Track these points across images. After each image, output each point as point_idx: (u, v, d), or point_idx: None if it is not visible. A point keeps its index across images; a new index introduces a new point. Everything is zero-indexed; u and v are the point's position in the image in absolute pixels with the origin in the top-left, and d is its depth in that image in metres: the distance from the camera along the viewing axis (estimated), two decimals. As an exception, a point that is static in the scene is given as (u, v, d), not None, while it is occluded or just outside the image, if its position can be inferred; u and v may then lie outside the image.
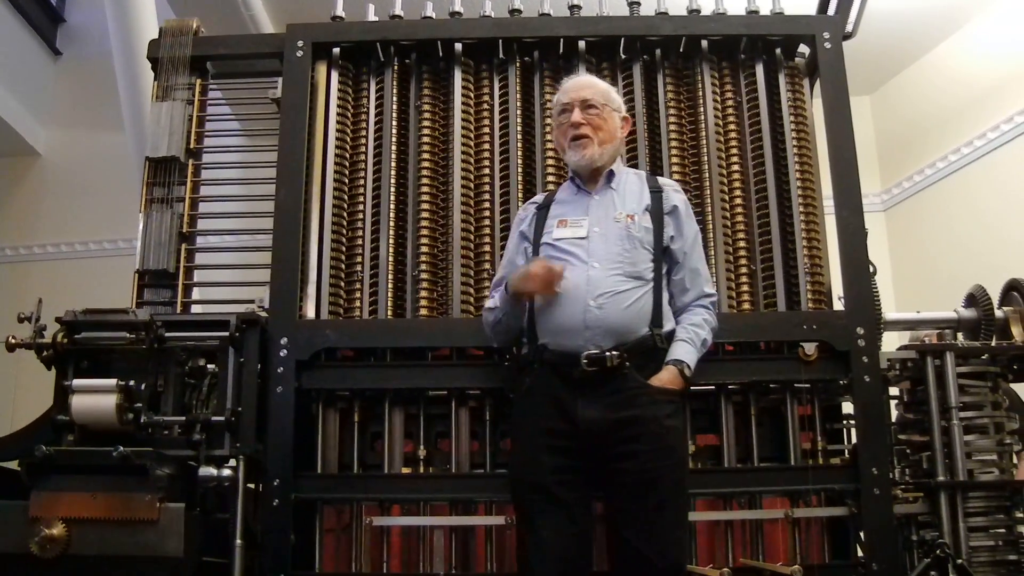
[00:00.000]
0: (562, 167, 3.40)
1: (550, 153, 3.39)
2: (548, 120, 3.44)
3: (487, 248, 3.33)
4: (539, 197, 2.98)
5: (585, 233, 2.69)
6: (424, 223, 3.36)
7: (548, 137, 3.41)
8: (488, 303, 2.85)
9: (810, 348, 3.10)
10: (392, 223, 3.37)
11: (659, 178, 2.91)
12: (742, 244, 3.34)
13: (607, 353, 2.53)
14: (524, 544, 2.59)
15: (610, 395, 2.54)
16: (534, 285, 2.60)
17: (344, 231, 3.38)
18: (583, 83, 2.85)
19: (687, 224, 2.78)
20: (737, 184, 3.41)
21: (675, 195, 2.81)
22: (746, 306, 3.29)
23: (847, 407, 3.27)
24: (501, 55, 3.53)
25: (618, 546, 2.56)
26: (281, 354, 3.10)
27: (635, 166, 3.36)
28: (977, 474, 3.10)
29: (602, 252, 2.64)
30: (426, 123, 3.47)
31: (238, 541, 2.81)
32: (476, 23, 3.54)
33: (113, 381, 2.87)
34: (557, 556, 2.48)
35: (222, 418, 2.92)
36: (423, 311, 3.26)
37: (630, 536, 2.49)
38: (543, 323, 2.64)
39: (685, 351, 2.63)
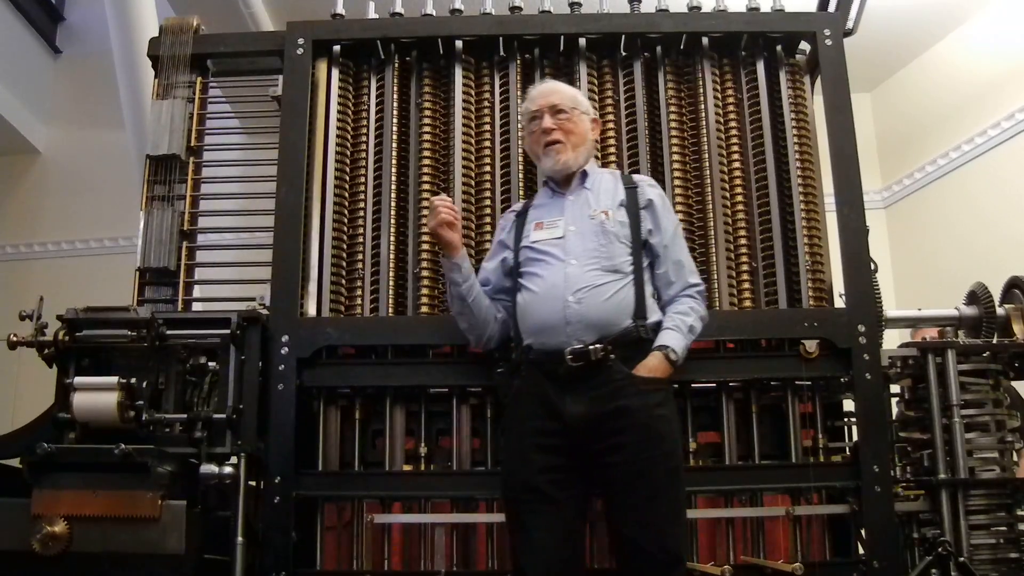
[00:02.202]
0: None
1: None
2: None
3: (488, 246, 3.32)
4: (518, 205, 3.03)
5: (561, 233, 2.72)
6: (425, 220, 3.35)
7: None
8: None
9: (811, 345, 3.10)
10: (393, 220, 3.37)
11: (634, 175, 2.95)
12: (743, 241, 3.34)
13: (591, 347, 2.54)
14: (515, 544, 2.59)
15: (596, 388, 2.55)
16: (434, 225, 2.73)
17: (345, 228, 3.38)
18: (550, 89, 2.89)
19: (664, 217, 2.80)
20: (738, 181, 3.41)
21: (650, 189, 2.84)
22: (747, 303, 3.28)
23: (848, 404, 3.27)
24: (502, 52, 3.53)
25: (618, 541, 2.56)
26: (282, 352, 3.10)
27: (636, 163, 3.37)
28: (978, 472, 3.10)
29: (578, 249, 2.67)
30: (427, 120, 3.47)
31: (239, 538, 2.81)
32: (477, 20, 3.54)
33: (114, 379, 2.87)
34: (548, 556, 2.49)
35: (223, 416, 2.92)
36: (424, 308, 3.26)
37: (626, 530, 2.50)
38: (525, 324, 2.67)
39: (670, 337, 2.64)
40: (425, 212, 3.35)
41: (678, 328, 2.66)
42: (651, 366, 2.58)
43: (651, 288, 2.74)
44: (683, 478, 2.65)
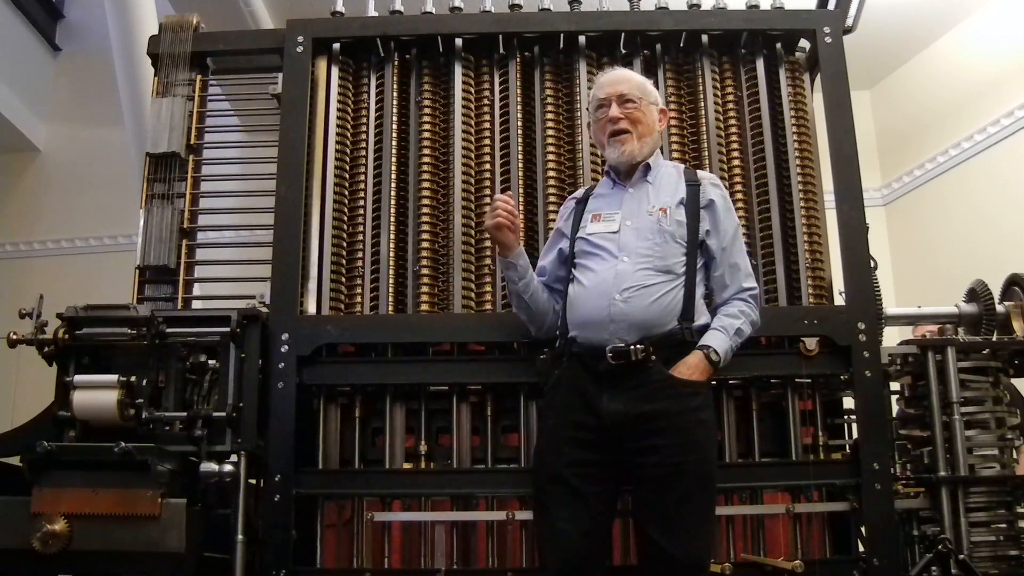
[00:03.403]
0: (563, 163, 3.41)
1: (551, 148, 3.39)
2: (548, 115, 3.44)
3: (488, 243, 3.33)
4: (579, 192, 2.98)
5: (617, 227, 2.68)
6: (425, 218, 3.36)
7: (549, 132, 3.41)
8: None
9: (811, 343, 3.10)
10: (393, 218, 3.37)
11: (699, 172, 2.88)
12: (743, 239, 3.34)
13: (632, 347, 2.52)
14: (539, 534, 2.60)
15: (635, 388, 2.53)
16: (490, 226, 2.73)
17: (345, 226, 3.38)
18: (619, 77, 2.83)
19: (725, 219, 2.75)
20: (738, 179, 3.41)
21: (713, 189, 2.78)
22: (747, 301, 3.28)
23: (848, 402, 3.27)
24: (501, 50, 3.53)
25: (643, 542, 2.55)
26: (282, 350, 3.10)
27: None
28: (978, 469, 3.10)
29: (632, 246, 2.63)
30: (426, 118, 3.47)
31: (239, 536, 2.82)
32: (476, 18, 3.54)
33: (114, 377, 2.88)
34: (570, 548, 2.48)
35: (223, 414, 2.92)
36: (424, 306, 3.26)
37: (652, 532, 2.48)
38: (572, 316, 2.66)
39: (714, 337, 2.61)
40: (425, 210, 3.36)
41: (724, 330, 2.63)
42: (691, 364, 2.56)
43: (702, 289, 2.70)
44: (715, 485, 2.62)
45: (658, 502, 2.49)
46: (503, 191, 3.37)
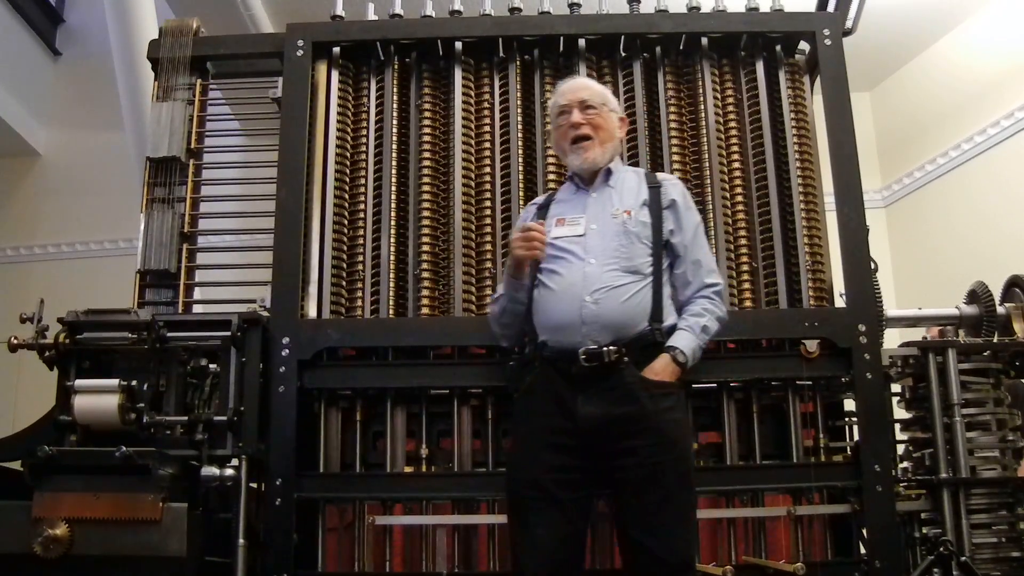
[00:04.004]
0: (563, 166, 3.40)
1: (551, 151, 3.39)
2: (549, 117, 3.44)
3: (488, 247, 3.33)
4: (540, 198, 2.99)
5: (582, 230, 2.69)
6: (425, 222, 3.36)
7: (549, 135, 3.40)
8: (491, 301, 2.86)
9: (812, 345, 3.10)
10: (393, 222, 3.37)
11: (658, 174, 2.91)
12: (743, 241, 3.34)
13: (604, 348, 2.52)
14: (516, 541, 2.58)
15: (609, 391, 2.53)
16: (521, 247, 2.64)
17: (345, 230, 3.38)
18: (580, 84, 2.87)
19: (686, 216, 2.77)
20: (738, 181, 3.41)
21: (673, 188, 2.80)
22: (747, 303, 3.28)
23: (849, 404, 3.27)
24: (501, 53, 3.53)
25: (626, 545, 2.55)
26: (283, 353, 3.10)
27: (636, 163, 3.36)
28: (979, 471, 3.10)
29: (599, 248, 2.64)
30: (427, 122, 3.47)
31: (241, 541, 2.81)
32: (476, 21, 3.54)
33: (115, 381, 2.88)
34: (549, 555, 2.48)
35: (224, 418, 2.92)
36: (425, 310, 3.26)
37: (636, 534, 2.48)
38: (541, 320, 2.65)
39: (681, 338, 2.61)
40: (426, 213, 3.36)
41: (690, 329, 2.64)
42: (658, 368, 2.56)
43: (670, 289, 2.71)
44: (694, 483, 2.63)
45: (639, 504, 2.49)
46: (503, 194, 3.37)
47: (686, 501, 2.56)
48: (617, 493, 2.56)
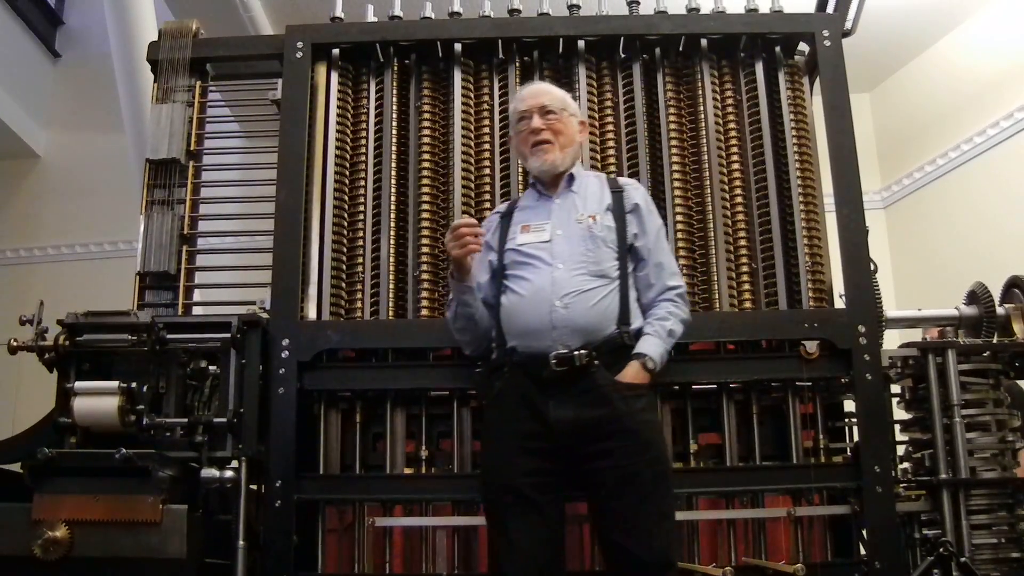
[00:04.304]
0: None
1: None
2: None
3: (488, 248, 3.33)
4: (502, 206, 3.00)
5: (548, 236, 2.71)
6: (425, 223, 3.36)
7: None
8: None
9: (811, 346, 3.10)
10: (393, 223, 3.37)
11: (619, 178, 2.95)
12: (743, 243, 3.35)
13: (575, 352, 2.54)
14: (496, 547, 2.58)
15: (581, 394, 2.54)
16: (453, 247, 2.61)
17: (345, 232, 3.38)
18: (539, 90, 2.88)
19: (649, 220, 2.80)
20: (737, 183, 3.41)
21: (635, 193, 2.84)
22: (747, 304, 3.29)
23: (849, 405, 3.27)
24: (500, 55, 3.53)
25: (607, 547, 2.56)
26: (283, 355, 3.10)
27: (635, 165, 3.37)
28: (979, 471, 3.10)
29: (566, 253, 2.66)
30: (426, 123, 3.47)
31: (241, 542, 2.81)
32: (475, 23, 3.54)
33: (115, 383, 2.88)
34: (530, 559, 2.48)
35: (224, 420, 2.92)
36: (424, 311, 3.26)
37: (616, 536, 2.49)
38: (510, 326, 2.65)
39: (648, 344, 2.63)
40: (425, 215, 3.36)
41: (657, 334, 2.66)
42: (629, 375, 2.58)
43: (635, 293, 2.74)
44: (671, 482, 2.63)
45: (617, 506, 2.50)
46: (503, 195, 3.37)
47: (663, 501, 2.56)
48: (593, 496, 2.57)
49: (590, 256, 2.66)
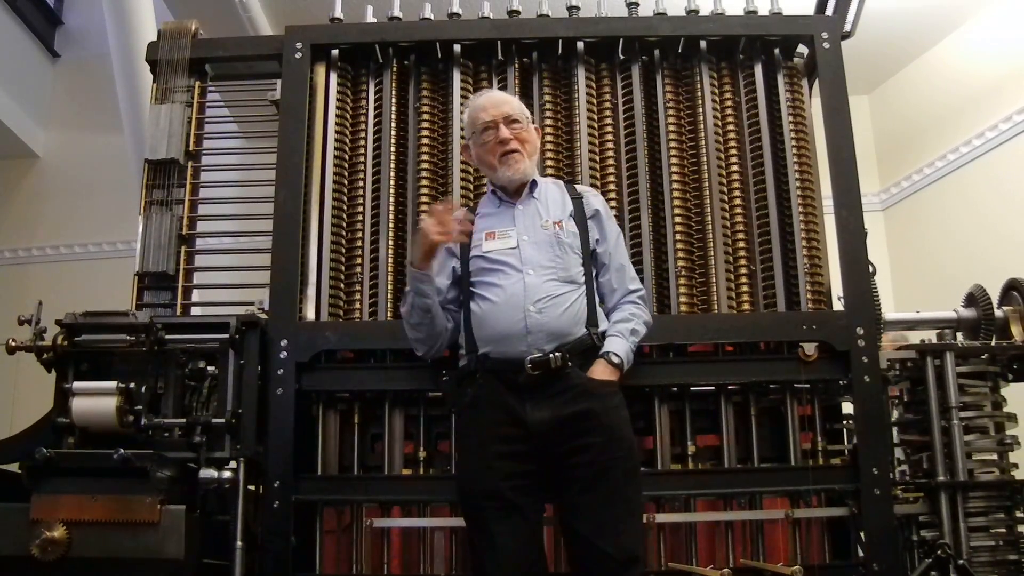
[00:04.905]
0: (561, 167, 3.41)
1: (549, 152, 3.40)
2: (547, 121, 3.44)
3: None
4: (459, 213, 2.98)
5: (515, 243, 2.73)
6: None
7: (547, 138, 3.40)
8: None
9: (810, 348, 3.10)
10: (392, 224, 3.37)
11: (576, 185, 3.01)
12: (741, 244, 3.35)
13: (551, 355, 2.58)
14: (479, 552, 2.58)
15: (558, 394, 2.58)
16: (436, 231, 2.59)
17: (344, 232, 3.38)
18: (501, 99, 2.89)
19: (608, 226, 2.86)
20: (736, 184, 3.41)
21: (594, 199, 2.90)
22: (746, 306, 3.29)
23: (847, 407, 3.27)
24: (500, 56, 3.53)
25: (573, 542, 2.57)
26: (281, 356, 3.10)
27: (634, 167, 3.37)
28: (977, 474, 3.10)
29: (535, 259, 2.69)
30: (425, 124, 3.47)
31: (239, 543, 2.81)
32: (474, 24, 3.54)
33: (113, 383, 2.87)
34: (515, 561, 2.50)
35: (222, 420, 2.92)
36: (423, 312, 3.26)
37: (583, 530, 2.51)
38: (482, 332, 2.67)
39: (613, 343, 2.68)
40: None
41: (621, 334, 2.70)
42: (597, 372, 2.62)
43: (598, 296, 2.78)
44: (640, 479, 2.69)
45: (587, 500, 2.52)
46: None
47: (632, 496, 2.60)
48: (564, 492, 2.58)
49: (558, 262, 2.70)
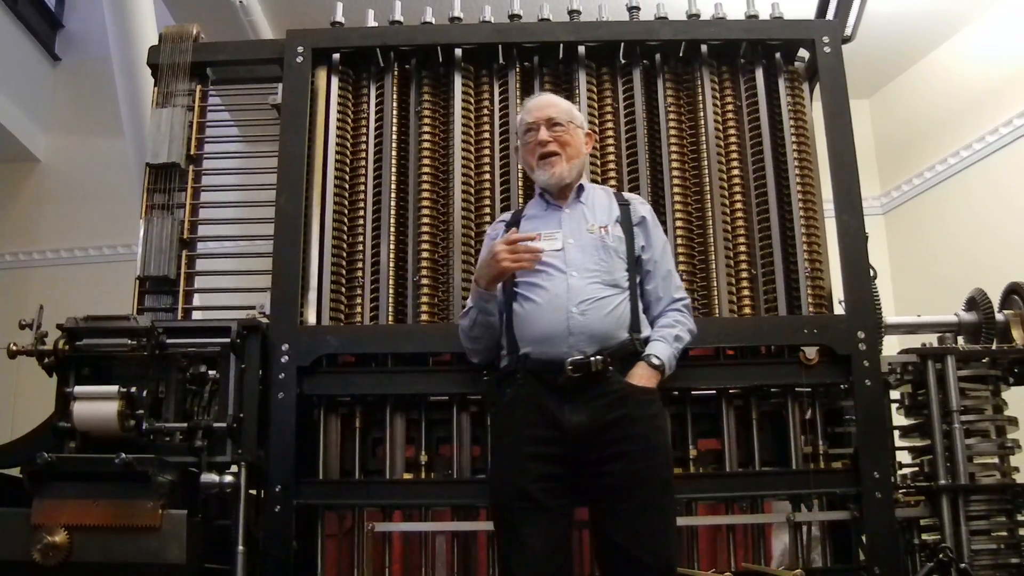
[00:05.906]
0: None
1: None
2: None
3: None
4: (506, 215, 3.04)
5: (560, 245, 2.73)
6: (425, 228, 3.36)
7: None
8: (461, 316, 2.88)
9: (811, 352, 3.10)
10: (393, 228, 3.37)
11: (624, 193, 3.00)
12: (743, 248, 3.35)
13: (592, 358, 2.57)
14: (506, 553, 2.58)
15: (596, 399, 2.57)
16: (506, 259, 2.61)
17: (345, 237, 3.38)
18: (546, 102, 2.91)
19: (655, 234, 2.86)
20: (737, 188, 3.41)
21: (641, 207, 2.90)
22: (747, 310, 3.29)
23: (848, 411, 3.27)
24: (501, 60, 3.53)
25: (607, 550, 2.56)
26: (282, 360, 3.10)
27: (635, 170, 3.38)
28: (979, 477, 3.10)
29: (579, 262, 2.69)
30: (426, 128, 3.48)
31: (240, 547, 2.81)
32: (476, 28, 3.55)
33: (114, 388, 2.88)
34: (542, 564, 2.49)
35: (224, 424, 2.92)
36: (424, 316, 3.26)
37: (619, 539, 2.50)
38: (524, 332, 2.67)
39: (656, 347, 2.68)
40: (425, 220, 3.36)
41: (664, 339, 2.70)
42: (638, 375, 2.61)
43: (642, 303, 2.77)
44: (674, 488, 2.67)
45: (624, 507, 2.51)
46: (503, 201, 3.37)
47: (668, 506, 2.60)
48: (598, 499, 2.58)
49: (603, 265, 2.70)
